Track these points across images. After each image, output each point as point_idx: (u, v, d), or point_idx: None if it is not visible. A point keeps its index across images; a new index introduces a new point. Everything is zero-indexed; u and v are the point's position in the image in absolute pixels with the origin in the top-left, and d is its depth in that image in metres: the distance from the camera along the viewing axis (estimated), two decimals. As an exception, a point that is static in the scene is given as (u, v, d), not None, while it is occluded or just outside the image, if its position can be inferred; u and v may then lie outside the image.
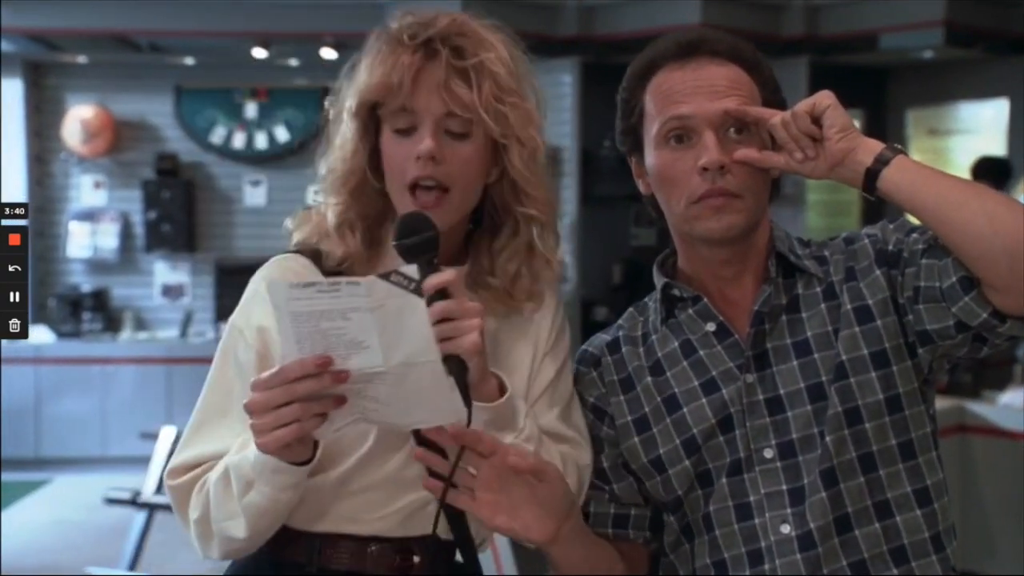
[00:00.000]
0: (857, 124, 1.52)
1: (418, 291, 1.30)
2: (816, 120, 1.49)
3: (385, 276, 1.29)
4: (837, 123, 1.48)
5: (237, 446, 1.46)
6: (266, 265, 1.58)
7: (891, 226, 1.59)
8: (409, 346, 1.30)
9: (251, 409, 1.34)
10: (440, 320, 1.34)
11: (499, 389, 1.48)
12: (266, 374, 1.33)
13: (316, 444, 1.41)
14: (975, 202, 1.42)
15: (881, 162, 1.47)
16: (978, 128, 8.40)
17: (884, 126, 8.78)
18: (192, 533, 1.51)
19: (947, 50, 7.54)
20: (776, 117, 1.51)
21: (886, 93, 8.75)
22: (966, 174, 7.88)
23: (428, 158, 1.46)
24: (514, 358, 1.58)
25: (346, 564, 1.53)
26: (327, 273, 1.51)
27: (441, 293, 1.36)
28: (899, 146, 1.49)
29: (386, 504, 1.53)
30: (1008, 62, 7.66)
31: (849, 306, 1.55)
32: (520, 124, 1.50)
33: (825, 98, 1.49)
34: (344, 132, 1.53)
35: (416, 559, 1.54)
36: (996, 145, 8.08)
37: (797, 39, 7.36)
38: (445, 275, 1.37)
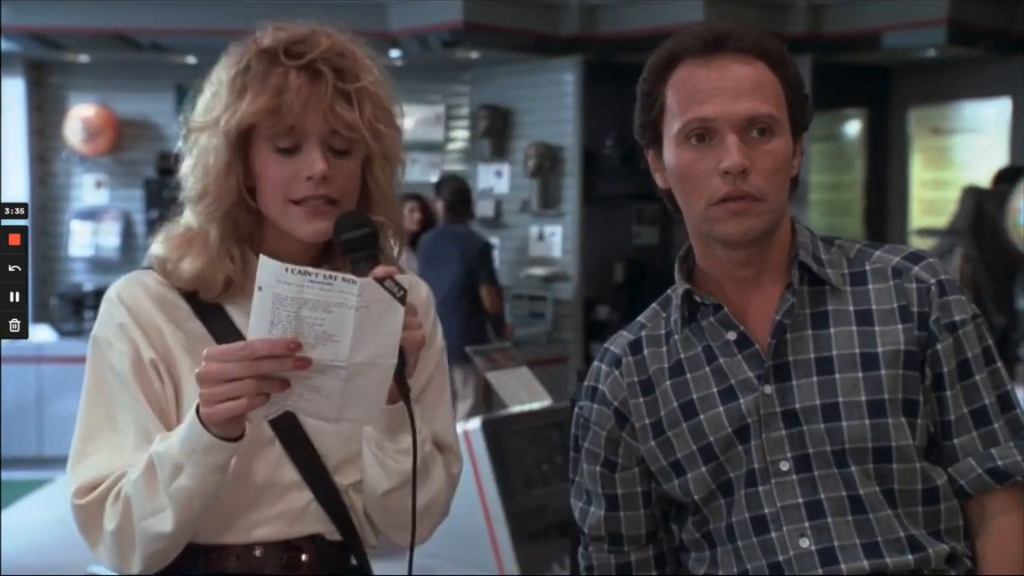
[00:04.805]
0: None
1: (403, 300, 1.36)
2: None
3: (380, 281, 1.35)
4: None
5: (159, 438, 1.46)
6: (120, 281, 1.58)
7: (958, 323, 1.56)
8: (376, 348, 1.36)
9: (205, 379, 1.36)
10: None
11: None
12: (228, 346, 1.37)
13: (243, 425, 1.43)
14: None
15: None
16: (981, 127, 8.39)
17: (886, 125, 8.78)
18: (107, 549, 1.50)
19: (950, 49, 7.54)
20: None
21: (889, 92, 8.74)
22: (969, 172, 7.88)
23: (321, 179, 1.49)
24: None
25: (234, 567, 1.55)
26: (186, 295, 1.55)
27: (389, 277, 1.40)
28: None
29: (265, 511, 1.55)
30: (1011, 61, 7.65)
31: (880, 349, 1.54)
32: (392, 143, 1.55)
33: None
34: (216, 152, 1.51)
35: (304, 557, 1.57)
36: (999, 144, 8.07)
37: (800, 38, 7.35)
38: (390, 268, 1.41)
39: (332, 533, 1.58)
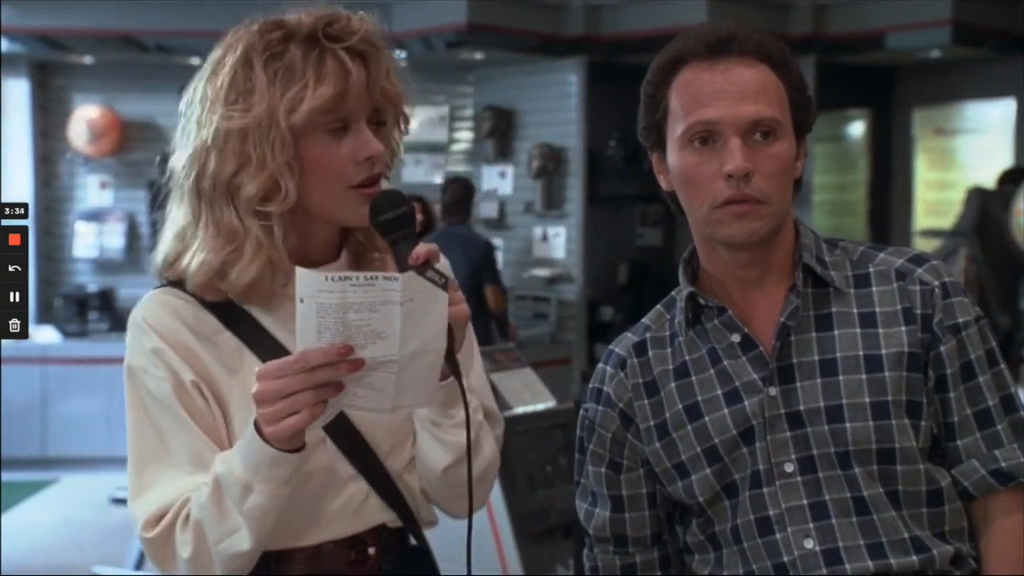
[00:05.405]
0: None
1: (445, 287, 1.36)
2: None
3: (421, 272, 1.35)
4: None
5: (219, 459, 1.44)
6: (142, 305, 1.54)
7: (961, 325, 1.57)
8: (424, 336, 1.36)
9: (262, 398, 1.34)
10: None
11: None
12: (280, 362, 1.34)
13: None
14: None
15: None
16: (985, 128, 8.38)
17: (890, 126, 8.77)
18: (185, 574, 1.47)
19: (954, 49, 7.53)
20: None
21: (893, 92, 8.74)
22: (973, 173, 7.87)
23: (379, 158, 1.49)
24: None
25: (303, 569, 1.54)
26: (210, 306, 1.51)
27: (427, 265, 1.39)
28: None
29: (329, 510, 1.54)
30: (1015, 61, 7.64)
31: (884, 351, 1.55)
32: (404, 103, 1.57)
33: None
34: (279, 147, 1.45)
35: (371, 551, 1.57)
36: (1003, 145, 8.06)
37: (804, 38, 7.35)
38: (431, 245, 1.40)
39: (394, 520, 1.59)
